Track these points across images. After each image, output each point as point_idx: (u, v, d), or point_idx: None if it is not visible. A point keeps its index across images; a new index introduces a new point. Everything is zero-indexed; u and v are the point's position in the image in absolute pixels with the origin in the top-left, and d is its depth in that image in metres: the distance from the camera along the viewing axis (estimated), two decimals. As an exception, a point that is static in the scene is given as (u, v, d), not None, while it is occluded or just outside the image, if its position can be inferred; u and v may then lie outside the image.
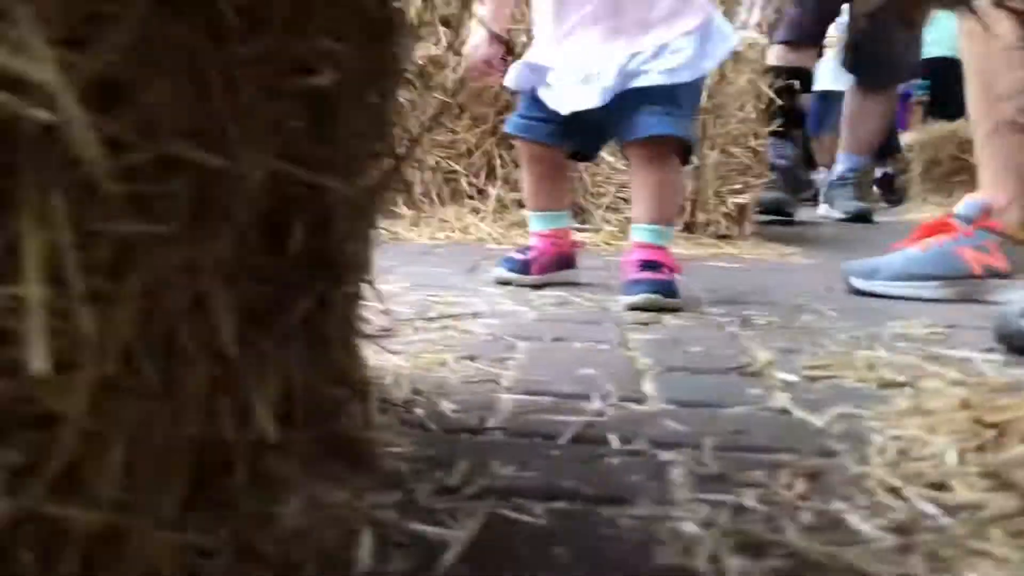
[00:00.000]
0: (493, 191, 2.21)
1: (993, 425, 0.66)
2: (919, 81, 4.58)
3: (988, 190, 1.51)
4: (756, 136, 2.17)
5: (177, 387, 0.40)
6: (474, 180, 2.23)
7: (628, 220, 2.11)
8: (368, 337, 0.77)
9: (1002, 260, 1.46)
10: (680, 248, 2.02)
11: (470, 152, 2.24)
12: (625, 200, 2.18)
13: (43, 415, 0.33)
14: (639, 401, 0.78)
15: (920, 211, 3.77)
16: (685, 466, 0.61)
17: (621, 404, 0.76)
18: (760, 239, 2.24)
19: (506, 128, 1.46)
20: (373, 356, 0.83)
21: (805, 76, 2.84)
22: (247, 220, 0.44)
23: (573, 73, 1.30)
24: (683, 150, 1.32)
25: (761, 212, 3.08)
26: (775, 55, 2.67)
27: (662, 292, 1.24)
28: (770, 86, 2.22)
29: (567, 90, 1.31)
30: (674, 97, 1.28)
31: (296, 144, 0.48)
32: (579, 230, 2.16)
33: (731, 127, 2.16)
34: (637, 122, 1.28)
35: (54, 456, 0.33)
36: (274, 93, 0.45)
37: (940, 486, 0.59)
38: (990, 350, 1.03)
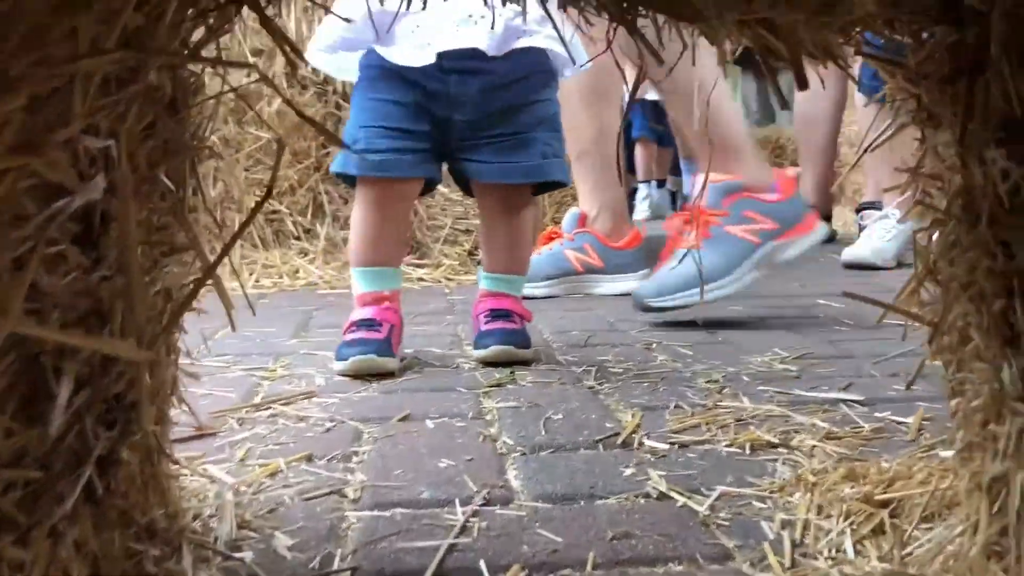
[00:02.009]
0: (322, 230, 2.07)
1: (884, 504, 0.62)
2: None
3: (583, 203, 1.88)
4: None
5: None
6: (300, 219, 2.09)
7: (467, 253, 2.04)
8: (175, 463, 0.64)
9: (597, 259, 1.84)
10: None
11: (293, 189, 2.10)
12: (463, 231, 2.11)
13: None
14: (507, 502, 0.69)
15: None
16: (570, 600, 0.53)
17: (487, 509, 0.67)
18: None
19: (341, 168, 1.17)
20: (188, 478, 0.70)
21: None
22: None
23: (444, 15, 1.11)
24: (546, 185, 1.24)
25: None
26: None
27: (514, 343, 1.17)
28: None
29: (439, 32, 1.11)
30: (546, 119, 1.19)
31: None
32: (416, 265, 2.07)
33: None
34: (502, 165, 1.17)
35: None
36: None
37: (848, 594, 0.53)
38: (848, 386, 1.02)
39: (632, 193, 4.36)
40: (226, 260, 1.95)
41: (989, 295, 0.43)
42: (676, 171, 4.37)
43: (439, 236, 2.11)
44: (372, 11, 1.06)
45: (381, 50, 1.14)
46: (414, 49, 1.12)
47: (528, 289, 1.69)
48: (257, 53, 2.03)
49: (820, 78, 0.60)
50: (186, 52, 0.44)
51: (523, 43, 1.14)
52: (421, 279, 1.99)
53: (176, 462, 0.66)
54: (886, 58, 0.55)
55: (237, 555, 0.58)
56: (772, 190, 1.48)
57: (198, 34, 0.52)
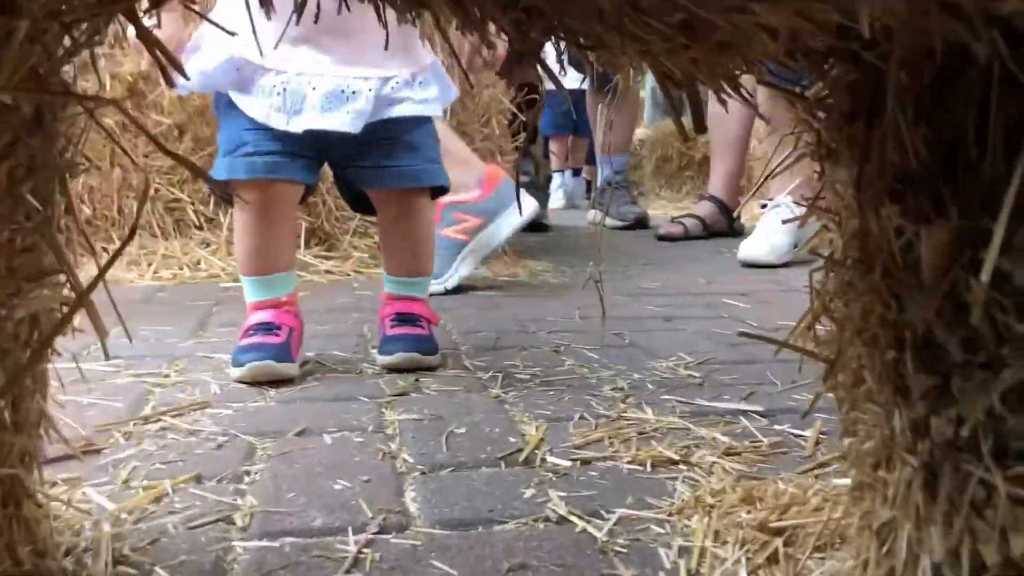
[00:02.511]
0: (225, 220, 2.00)
1: (778, 532, 0.62)
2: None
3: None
4: (502, 152, 2.12)
5: None
6: (202, 209, 2.01)
7: (378, 246, 1.99)
8: (47, 497, 0.60)
9: (473, 219, 1.81)
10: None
11: (195, 178, 2.01)
12: (374, 223, 2.06)
13: None
14: (402, 529, 0.67)
15: (653, 206, 3.96)
16: (462, 643, 0.51)
17: (381, 538, 0.65)
18: (512, 256, 2.20)
19: (228, 175, 1.09)
20: (64, 508, 0.66)
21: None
22: None
23: (311, 87, 1.08)
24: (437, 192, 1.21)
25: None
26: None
27: (419, 350, 1.14)
28: (513, 100, 2.18)
29: (304, 104, 1.08)
30: (428, 136, 1.16)
31: None
32: (324, 258, 2.02)
33: (477, 144, 2.09)
34: (393, 170, 1.14)
35: None
36: None
37: (741, 630, 0.53)
38: (749, 395, 1.03)
39: (548, 181, 4.37)
40: (122, 253, 1.88)
41: (882, 343, 0.43)
42: (591, 160, 4.39)
43: (348, 228, 2.06)
44: (235, 56, 1.05)
45: (238, 99, 1.09)
46: (275, 112, 1.08)
47: (438, 286, 1.67)
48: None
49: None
50: (32, 80, 0.40)
51: (393, 113, 1.11)
52: (329, 272, 1.95)
53: (47, 496, 0.62)
54: (787, 89, 0.55)
55: (110, 597, 0.55)
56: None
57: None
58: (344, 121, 1.07)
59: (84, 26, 0.48)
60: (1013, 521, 0.33)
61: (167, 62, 0.46)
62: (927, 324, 0.37)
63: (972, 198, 0.35)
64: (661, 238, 2.79)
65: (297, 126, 1.07)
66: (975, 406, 0.34)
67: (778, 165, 0.61)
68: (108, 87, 1.88)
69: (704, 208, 2.92)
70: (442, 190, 1.19)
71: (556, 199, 4.15)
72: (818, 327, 0.53)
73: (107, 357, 0.49)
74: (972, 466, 0.36)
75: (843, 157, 0.50)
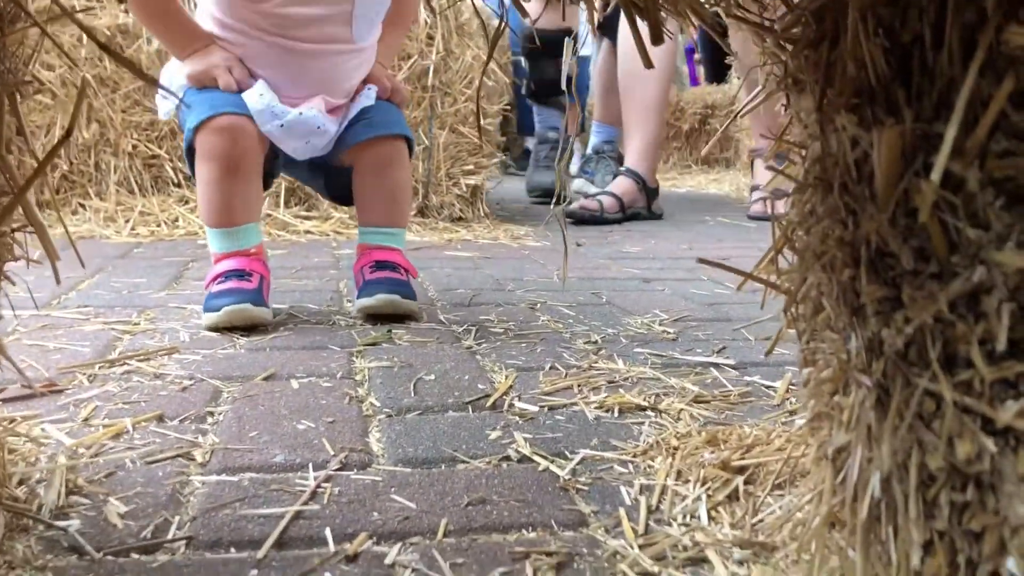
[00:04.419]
0: (204, 178, 1.97)
1: (740, 470, 0.62)
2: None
3: None
4: (485, 115, 2.10)
5: None
6: (180, 165, 1.98)
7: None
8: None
9: None
10: (414, 235, 1.93)
11: (174, 133, 1.99)
12: (353, 184, 2.04)
13: None
14: (364, 466, 0.66)
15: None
16: (414, 570, 0.51)
17: (342, 474, 0.64)
18: (496, 221, 2.19)
19: (191, 121, 1.09)
20: (20, 440, 0.65)
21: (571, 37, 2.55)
22: None
23: (299, 132, 1.14)
24: (409, 148, 1.21)
25: (539, 196, 2.83)
26: (536, 15, 2.41)
27: (400, 293, 1.13)
28: (518, 55, 2.16)
29: (298, 148, 1.16)
30: (388, 108, 1.22)
31: None
32: (304, 218, 2.00)
33: (459, 106, 2.07)
34: (363, 128, 1.17)
35: None
36: None
37: (697, 561, 0.53)
38: (722, 350, 1.03)
39: (525, 153, 4.31)
40: (99, 208, 1.82)
41: (839, 264, 0.42)
42: (584, 129, 4.35)
43: (329, 188, 2.04)
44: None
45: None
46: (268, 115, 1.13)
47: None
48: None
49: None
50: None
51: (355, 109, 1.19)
52: (308, 232, 1.93)
53: (3, 427, 0.61)
54: (756, 23, 0.54)
55: (60, 523, 0.54)
56: None
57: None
58: (323, 147, 1.18)
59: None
60: (959, 428, 0.33)
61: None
62: (880, 235, 0.36)
63: (927, 102, 0.34)
64: (570, 215, 2.30)
65: (302, 156, 1.18)
66: (922, 311, 0.33)
67: (748, 101, 0.60)
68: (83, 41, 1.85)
69: (621, 185, 2.45)
70: (411, 144, 1.20)
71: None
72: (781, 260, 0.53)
73: (58, 281, 0.48)
74: (920, 378, 0.36)
75: (808, 84, 0.49)
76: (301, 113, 1.12)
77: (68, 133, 0.37)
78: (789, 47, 0.52)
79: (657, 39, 0.40)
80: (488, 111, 2.11)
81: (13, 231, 0.54)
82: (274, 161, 1.19)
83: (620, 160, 2.71)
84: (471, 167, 2.11)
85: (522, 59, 3.24)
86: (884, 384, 0.40)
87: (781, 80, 0.52)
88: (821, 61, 0.45)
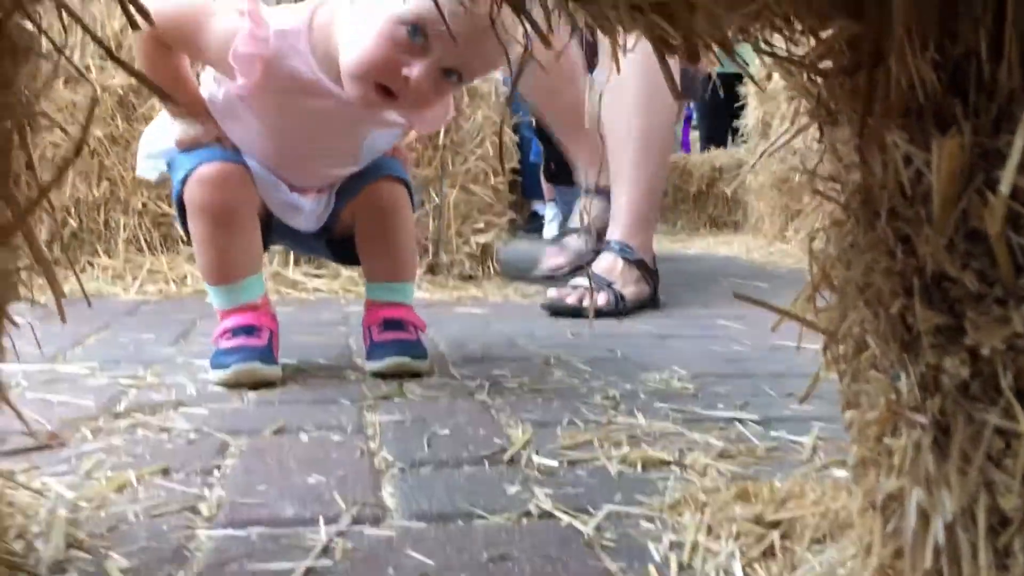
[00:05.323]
0: (214, 236, 1.96)
1: (774, 524, 0.59)
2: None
3: None
4: (496, 173, 2.10)
5: None
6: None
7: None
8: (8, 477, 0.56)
9: None
10: (424, 292, 1.91)
11: (185, 192, 1.99)
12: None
13: None
14: (377, 521, 0.63)
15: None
16: (435, 630, 0.48)
17: (355, 529, 0.61)
18: (505, 279, 2.17)
19: (181, 171, 1.05)
20: (20, 492, 0.63)
21: None
22: None
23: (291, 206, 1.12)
24: (411, 198, 1.19)
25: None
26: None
27: (409, 354, 1.11)
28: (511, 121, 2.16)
29: (292, 218, 1.13)
30: (382, 159, 1.18)
31: None
32: (313, 275, 1.99)
33: (470, 164, 2.08)
34: (356, 179, 1.14)
35: None
36: None
37: (735, 621, 0.49)
38: (744, 405, 0.99)
39: (533, 216, 4.31)
40: (107, 266, 1.80)
41: (887, 296, 0.40)
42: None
43: (339, 246, 2.03)
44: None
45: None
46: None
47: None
48: None
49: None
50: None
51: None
52: (318, 290, 1.91)
53: (2, 477, 0.59)
54: (784, 56, 0.52)
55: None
56: None
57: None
58: (311, 222, 1.15)
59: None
60: (1036, 465, 0.30)
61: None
62: (937, 259, 0.34)
63: (984, 117, 0.32)
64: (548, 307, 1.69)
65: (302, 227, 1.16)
66: (992, 336, 0.31)
67: (779, 137, 0.59)
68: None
69: (612, 268, 1.75)
70: (409, 188, 1.18)
71: (550, 230, 4.12)
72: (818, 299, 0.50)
73: (63, 320, 0.46)
74: (987, 413, 0.33)
75: (843, 114, 0.47)
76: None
77: (78, 150, 0.35)
78: (819, 80, 0.50)
79: (694, 57, 0.38)
80: (499, 169, 2.11)
81: (18, 270, 0.52)
82: (268, 220, 1.13)
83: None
84: (481, 225, 2.10)
85: (535, 139, 3.17)
86: (942, 422, 0.37)
87: (813, 112, 0.51)
88: (859, 87, 0.44)
